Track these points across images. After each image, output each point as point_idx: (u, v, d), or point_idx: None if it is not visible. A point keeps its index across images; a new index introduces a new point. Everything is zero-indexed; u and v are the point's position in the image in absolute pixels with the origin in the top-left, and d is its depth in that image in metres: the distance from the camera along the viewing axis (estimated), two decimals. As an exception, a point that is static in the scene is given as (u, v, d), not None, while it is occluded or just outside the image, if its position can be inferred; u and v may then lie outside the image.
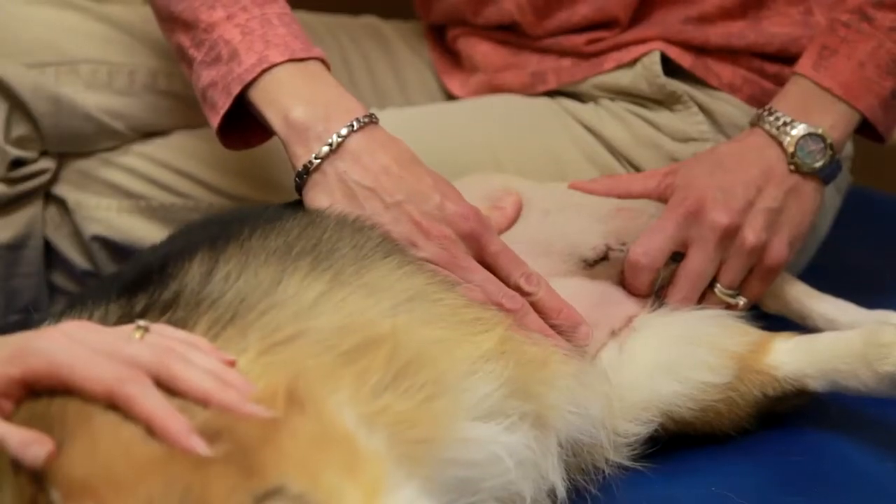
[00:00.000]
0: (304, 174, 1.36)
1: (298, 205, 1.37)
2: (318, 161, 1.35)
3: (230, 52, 1.40)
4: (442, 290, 1.26)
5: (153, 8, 1.49)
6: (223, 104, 1.40)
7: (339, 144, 1.34)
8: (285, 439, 0.97)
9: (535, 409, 1.21)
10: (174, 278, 1.17)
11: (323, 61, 1.42)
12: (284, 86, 1.38)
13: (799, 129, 1.44)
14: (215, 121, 1.42)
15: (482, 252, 1.33)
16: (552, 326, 1.32)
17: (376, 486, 0.95)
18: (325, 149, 1.34)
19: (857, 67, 1.45)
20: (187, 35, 1.44)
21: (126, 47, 1.64)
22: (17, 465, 0.96)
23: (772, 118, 1.46)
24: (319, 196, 1.35)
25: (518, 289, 1.31)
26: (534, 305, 1.31)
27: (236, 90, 1.39)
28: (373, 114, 1.38)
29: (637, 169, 1.61)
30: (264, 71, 1.38)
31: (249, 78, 1.38)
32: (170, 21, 1.46)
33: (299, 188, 1.37)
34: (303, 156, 1.36)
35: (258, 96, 1.39)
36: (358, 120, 1.36)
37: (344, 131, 1.35)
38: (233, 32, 1.40)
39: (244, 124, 1.43)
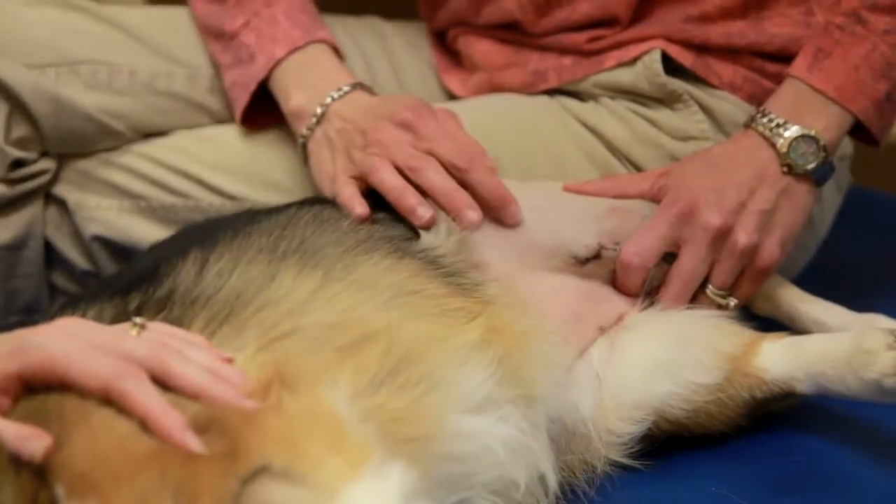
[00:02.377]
0: (304, 148, 1.52)
1: (272, 208, 1.39)
2: (309, 132, 1.52)
3: (249, 55, 1.58)
4: (421, 281, 1.26)
5: (196, 22, 1.67)
6: (242, 101, 1.58)
7: (324, 113, 1.51)
8: (272, 419, 0.98)
9: (523, 391, 1.21)
10: (167, 276, 1.17)
11: (325, 42, 1.59)
12: (289, 76, 1.56)
13: (792, 131, 1.44)
14: (238, 115, 1.60)
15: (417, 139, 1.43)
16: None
17: (360, 458, 0.96)
18: (313, 120, 1.51)
19: (851, 70, 1.45)
20: (218, 43, 1.63)
21: (126, 47, 1.65)
22: (18, 463, 0.97)
23: (765, 120, 1.46)
24: (313, 158, 1.51)
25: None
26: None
27: (252, 87, 1.57)
28: (361, 83, 1.54)
29: (637, 167, 1.61)
30: (273, 67, 1.56)
31: (262, 76, 1.56)
32: (206, 33, 1.65)
33: (306, 161, 1.53)
34: (301, 133, 1.52)
35: (274, 89, 1.57)
36: (340, 89, 1.52)
37: (328, 101, 1.51)
38: (249, 37, 1.59)
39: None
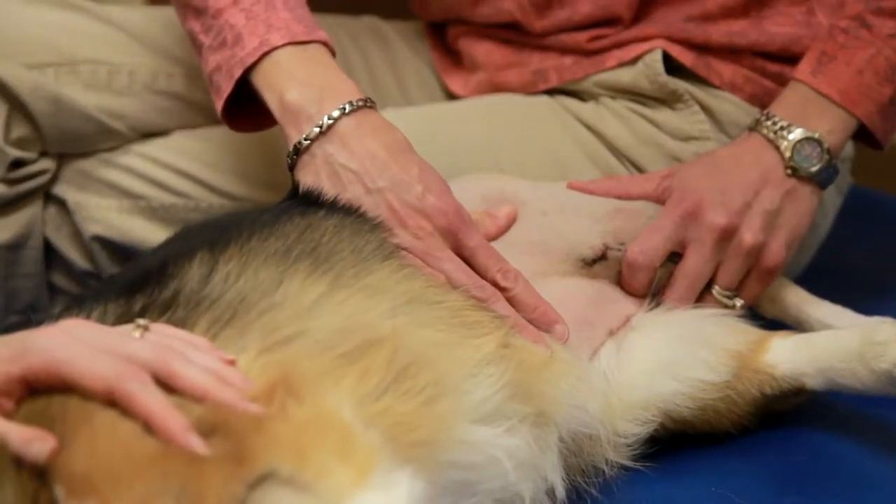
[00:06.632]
0: (295, 155, 1.38)
1: (293, 209, 1.37)
2: (308, 142, 1.37)
3: (234, 37, 1.42)
4: (442, 292, 1.26)
5: None
6: (226, 88, 1.43)
7: (330, 127, 1.36)
8: (278, 426, 0.98)
9: (536, 410, 1.21)
10: (173, 278, 1.17)
11: (326, 45, 1.43)
12: (283, 68, 1.40)
13: (796, 134, 1.45)
14: (219, 104, 1.44)
15: (460, 247, 1.33)
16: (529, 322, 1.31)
17: (368, 467, 0.96)
18: (316, 130, 1.36)
19: (856, 74, 1.46)
20: (198, 21, 1.47)
21: (126, 47, 1.65)
22: (19, 463, 0.96)
23: (769, 122, 1.47)
24: (307, 177, 1.37)
25: (495, 284, 1.32)
26: (511, 301, 1.31)
27: (238, 73, 1.41)
28: (369, 98, 1.39)
29: (638, 168, 1.61)
30: (265, 54, 1.41)
31: (251, 61, 1.41)
32: (184, 7, 1.49)
33: (291, 168, 1.39)
34: (294, 137, 1.38)
35: (259, 79, 1.41)
36: (351, 103, 1.37)
37: (336, 114, 1.37)
38: (238, 17, 1.43)
39: (255, 108, 1.44)
